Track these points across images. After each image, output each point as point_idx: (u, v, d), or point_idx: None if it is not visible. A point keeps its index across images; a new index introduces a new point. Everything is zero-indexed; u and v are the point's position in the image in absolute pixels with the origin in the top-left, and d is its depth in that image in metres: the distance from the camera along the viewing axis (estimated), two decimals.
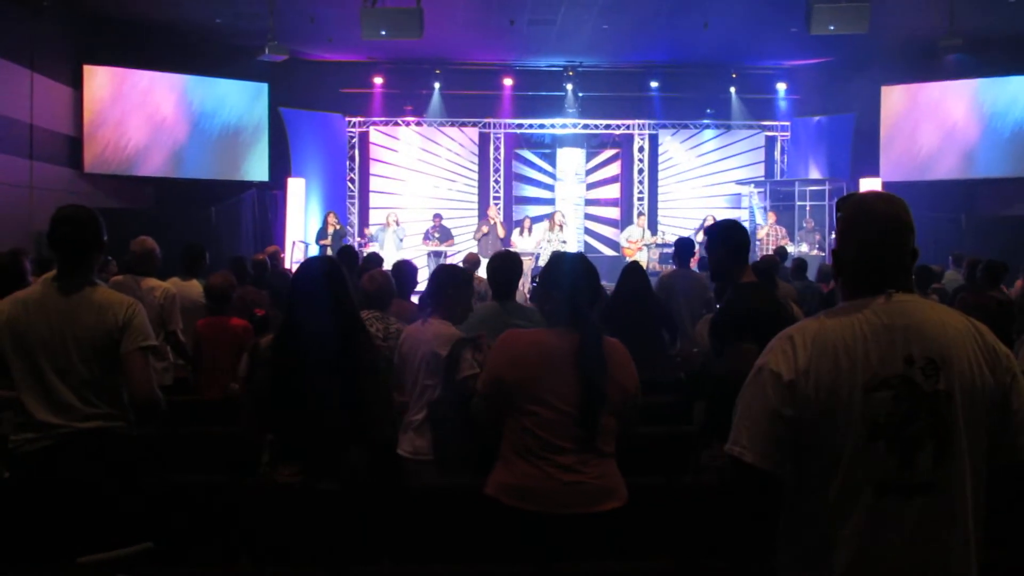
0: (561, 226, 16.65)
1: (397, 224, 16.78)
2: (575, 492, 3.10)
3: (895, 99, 17.16)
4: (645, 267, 8.50)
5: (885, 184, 16.92)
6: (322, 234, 16.21)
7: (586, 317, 3.25)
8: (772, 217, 16.80)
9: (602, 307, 7.46)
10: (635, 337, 5.89)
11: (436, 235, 16.62)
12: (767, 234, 16.39)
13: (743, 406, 2.26)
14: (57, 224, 3.60)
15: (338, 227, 16.13)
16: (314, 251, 16.44)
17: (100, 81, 15.11)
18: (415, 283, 7.11)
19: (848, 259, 2.31)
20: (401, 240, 16.62)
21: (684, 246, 8.41)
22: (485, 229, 16.27)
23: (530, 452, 3.14)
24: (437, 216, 17.08)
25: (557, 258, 3.51)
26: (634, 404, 3.33)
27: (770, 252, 13.51)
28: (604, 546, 3.13)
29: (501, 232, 16.64)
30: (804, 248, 16.25)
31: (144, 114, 15.68)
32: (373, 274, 5.23)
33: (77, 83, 14.75)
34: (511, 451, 3.20)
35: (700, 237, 15.88)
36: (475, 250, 14.18)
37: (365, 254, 11.22)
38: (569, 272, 3.35)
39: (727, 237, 4.21)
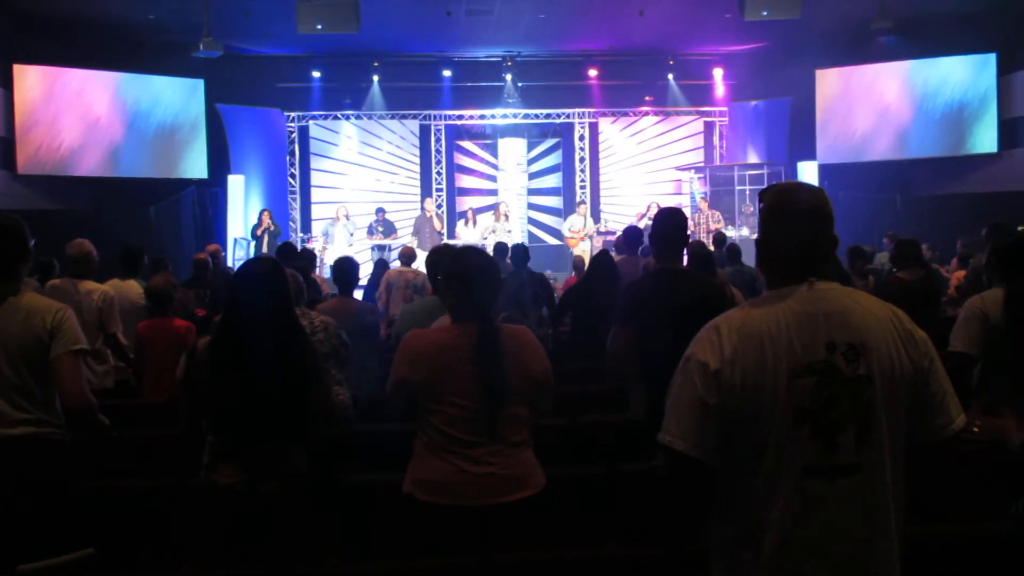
0: (506, 216, 16.71)
1: (347, 218, 16.69)
2: (485, 483, 3.17)
3: (829, 82, 17.41)
4: (588, 256, 8.57)
5: (822, 167, 17.22)
6: (255, 230, 16.07)
7: (483, 311, 3.32)
8: (703, 204, 16.93)
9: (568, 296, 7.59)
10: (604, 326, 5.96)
11: (380, 228, 16.57)
12: (703, 220, 16.48)
13: (673, 396, 2.30)
14: None
15: (272, 227, 15.91)
16: (252, 247, 16.34)
17: (31, 80, 14.80)
18: (357, 279, 7.11)
19: (771, 248, 2.38)
20: (352, 234, 16.55)
21: (632, 234, 8.49)
22: (414, 239, 16.21)
23: (440, 448, 3.21)
24: (380, 210, 17.00)
25: (457, 254, 3.56)
26: (546, 391, 3.40)
27: (700, 238, 13.63)
28: (534, 534, 3.19)
29: (438, 225, 16.66)
30: (745, 232, 16.41)
31: (78, 113, 15.40)
32: None
33: (7, 83, 14.43)
34: (423, 447, 3.26)
35: (644, 224, 15.99)
36: (413, 243, 14.22)
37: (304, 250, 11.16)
38: (468, 267, 3.40)
39: (653, 226, 4.44)
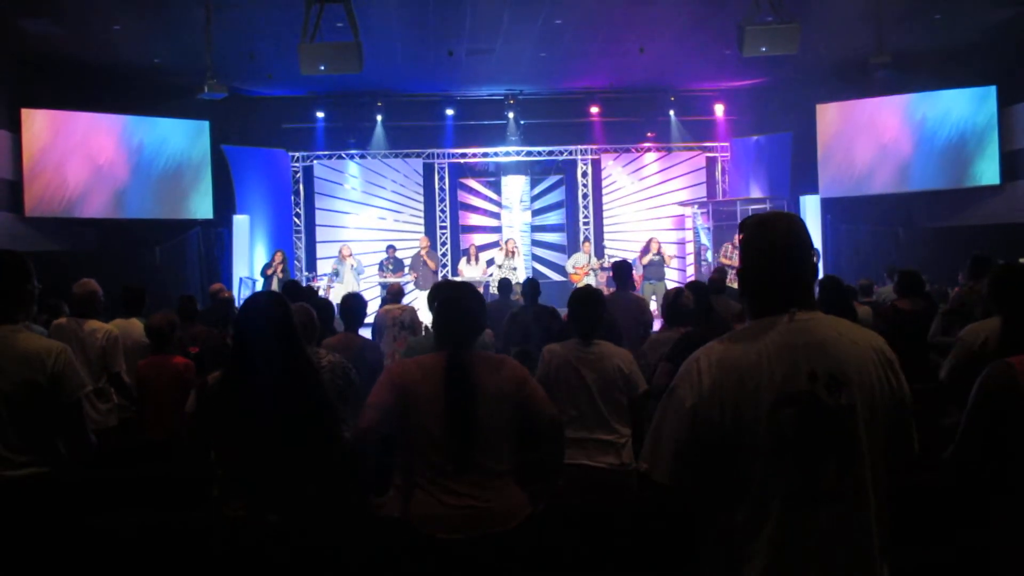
0: (513, 253, 16.76)
1: (352, 256, 16.72)
2: (465, 516, 3.17)
3: (830, 117, 17.50)
4: None
5: (824, 200, 17.27)
6: (265, 269, 16.15)
7: (458, 341, 3.37)
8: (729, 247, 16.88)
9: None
10: None
11: (389, 266, 16.63)
12: (726, 254, 16.53)
13: (654, 424, 2.35)
14: None
15: (282, 274, 15.87)
16: (260, 285, 16.38)
17: (39, 124, 14.96)
18: (364, 316, 7.13)
19: (752, 279, 2.40)
20: (360, 273, 16.58)
21: (623, 269, 8.53)
22: (413, 275, 16.30)
23: (422, 477, 3.23)
24: (390, 247, 17.07)
25: (440, 288, 3.64)
26: (542, 420, 3.39)
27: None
28: (524, 565, 3.19)
29: (432, 265, 16.66)
30: None
31: (84, 155, 15.53)
32: (296, 308, 5.17)
33: (15, 127, 14.58)
34: (408, 478, 3.27)
35: (646, 260, 15.99)
36: (411, 285, 14.28)
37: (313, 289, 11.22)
38: (445, 299, 3.50)
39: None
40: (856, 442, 2.22)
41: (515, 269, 16.43)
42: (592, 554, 3.79)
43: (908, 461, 2.37)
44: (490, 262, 17.26)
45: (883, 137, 16.96)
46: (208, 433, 3.54)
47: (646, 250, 16.41)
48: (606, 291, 14.06)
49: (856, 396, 2.23)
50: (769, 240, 2.37)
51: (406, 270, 16.74)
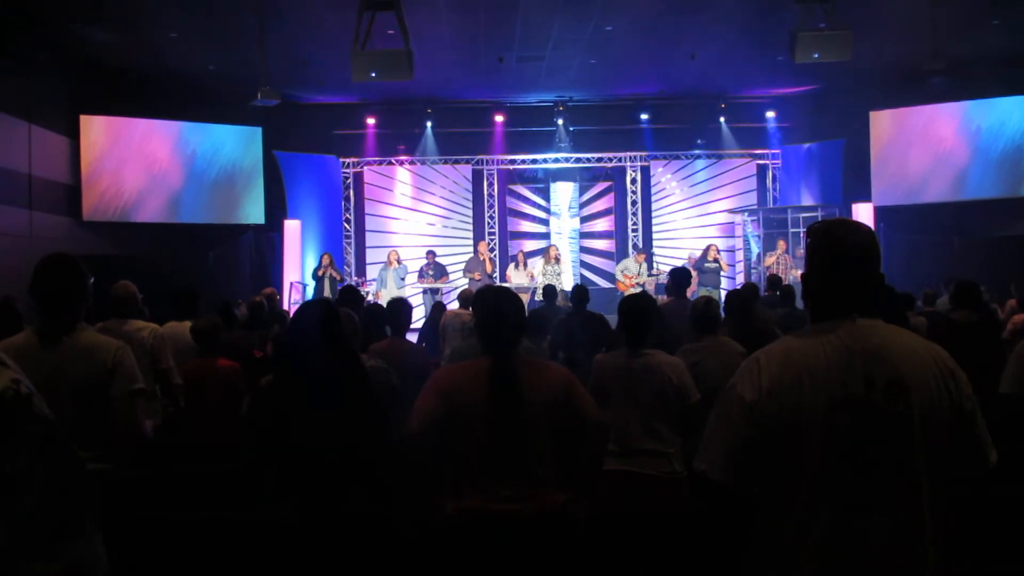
0: (557, 259, 16.74)
1: (399, 262, 16.85)
2: (512, 519, 3.17)
3: (884, 124, 17.28)
4: None
5: (877, 208, 17.04)
6: (316, 271, 16.38)
7: (502, 345, 3.37)
8: (783, 246, 16.81)
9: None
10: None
11: (430, 272, 16.70)
12: (775, 261, 16.42)
13: (711, 424, 2.35)
14: (40, 272, 3.68)
15: (336, 275, 16.12)
16: (311, 289, 16.57)
17: (96, 130, 15.27)
18: (410, 320, 7.15)
19: (815, 284, 2.41)
20: (403, 278, 16.69)
21: (680, 276, 8.45)
22: (477, 275, 16.25)
23: (467, 482, 3.23)
24: (430, 253, 17.18)
25: (479, 293, 3.64)
26: (587, 423, 3.37)
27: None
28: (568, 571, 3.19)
29: (489, 267, 16.72)
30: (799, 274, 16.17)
31: (140, 161, 15.83)
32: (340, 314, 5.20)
33: (74, 133, 14.90)
34: (455, 481, 3.28)
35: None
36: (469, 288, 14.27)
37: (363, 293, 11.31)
38: (485, 304, 3.50)
39: None
40: (911, 450, 2.21)
41: (559, 275, 16.44)
42: (639, 560, 3.77)
43: (980, 475, 2.35)
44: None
45: (938, 145, 16.70)
46: (261, 434, 3.60)
47: (703, 257, 16.29)
48: (659, 300, 13.99)
49: (914, 404, 2.22)
50: (836, 246, 2.38)
51: (449, 276, 16.82)
